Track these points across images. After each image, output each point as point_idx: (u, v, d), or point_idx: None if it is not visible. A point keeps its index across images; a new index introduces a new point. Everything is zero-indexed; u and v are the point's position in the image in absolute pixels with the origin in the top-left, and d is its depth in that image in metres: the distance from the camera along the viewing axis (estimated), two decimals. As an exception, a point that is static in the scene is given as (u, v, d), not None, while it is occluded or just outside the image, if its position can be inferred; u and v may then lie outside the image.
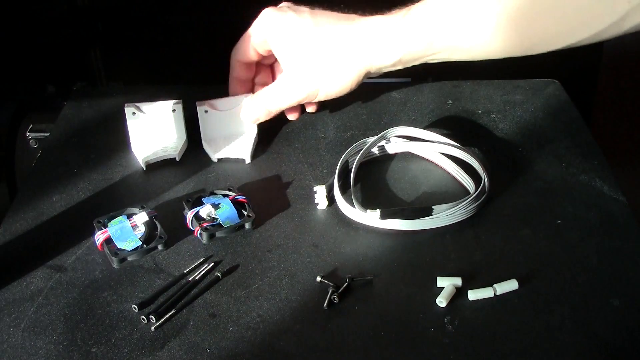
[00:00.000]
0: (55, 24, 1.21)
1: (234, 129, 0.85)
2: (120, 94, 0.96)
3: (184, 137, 0.85)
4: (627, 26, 0.64)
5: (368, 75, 0.80)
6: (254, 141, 0.85)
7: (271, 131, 0.88)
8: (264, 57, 0.85)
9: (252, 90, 0.88)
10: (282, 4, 0.83)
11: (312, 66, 0.78)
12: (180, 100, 0.85)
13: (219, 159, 0.83)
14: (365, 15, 0.80)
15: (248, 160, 0.83)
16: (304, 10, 0.80)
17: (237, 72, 0.86)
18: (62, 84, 1.15)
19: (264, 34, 0.81)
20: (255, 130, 0.85)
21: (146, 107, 0.83)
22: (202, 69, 1.33)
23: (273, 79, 0.89)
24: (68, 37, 1.22)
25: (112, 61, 1.31)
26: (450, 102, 0.94)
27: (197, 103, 0.83)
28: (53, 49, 1.21)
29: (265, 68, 0.89)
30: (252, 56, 0.84)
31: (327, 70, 0.78)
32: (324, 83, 0.79)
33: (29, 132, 0.97)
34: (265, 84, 0.86)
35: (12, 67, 1.17)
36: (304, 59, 0.79)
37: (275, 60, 0.86)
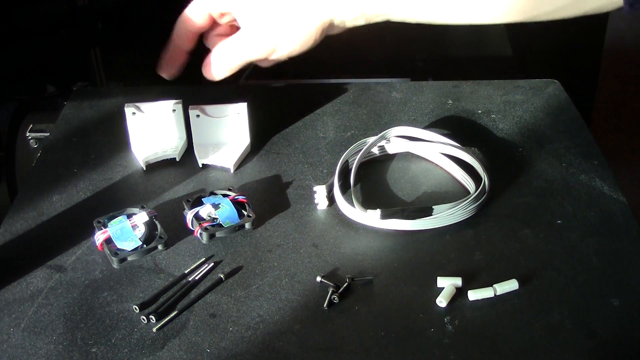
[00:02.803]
0: (55, 24, 1.21)
1: (224, 137, 0.85)
2: (120, 94, 0.96)
3: (184, 137, 0.85)
4: None
5: (329, 31, 0.76)
6: (244, 152, 0.84)
7: (271, 131, 0.88)
8: (211, 24, 0.80)
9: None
10: None
11: (269, 19, 0.74)
12: (180, 100, 0.85)
13: (203, 165, 0.83)
14: None
15: (232, 170, 0.82)
16: None
17: (182, 42, 0.80)
18: (62, 84, 1.15)
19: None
20: (247, 142, 0.85)
21: (146, 107, 0.83)
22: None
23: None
24: (68, 37, 1.23)
25: (112, 61, 1.31)
26: (450, 102, 0.94)
27: (190, 107, 0.83)
28: (53, 49, 1.21)
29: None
30: (204, 22, 0.79)
31: (285, 23, 0.74)
32: (283, 37, 0.75)
33: (29, 132, 0.97)
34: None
35: (12, 67, 1.17)
36: (261, 13, 0.75)
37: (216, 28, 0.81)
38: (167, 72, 0.81)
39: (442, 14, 0.70)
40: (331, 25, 0.75)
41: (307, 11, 0.74)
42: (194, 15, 0.79)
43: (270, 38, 0.75)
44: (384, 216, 0.72)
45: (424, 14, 0.70)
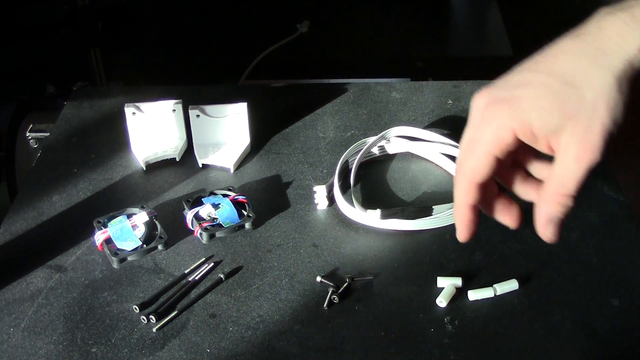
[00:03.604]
0: (55, 24, 1.21)
1: (224, 137, 0.85)
2: (120, 94, 0.96)
3: (184, 137, 0.85)
4: None
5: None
6: (244, 152, 0.84)
7: (271, 131, 0.88)
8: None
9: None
10: (485, 91, 0.60)
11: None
12: (180, 100, 0.85)
13: (203, 165, 0.83)
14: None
15: (232, 170, 0.82)
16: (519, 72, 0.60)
17: (474, 197, 0.60)
18: (62, 84, 1.15)
19: (511, 124, 0.57)
20: (247, 142, 0.85)
21: (146, 107, 0.83)
22: (202, 69, 1.33)
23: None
24: (68, 37, 1.23)
25: (112, 61, 1.31)
26: (450, 102, 0.94)
27: (190, 107, 0.83)
28: (53, 49, 1.21)
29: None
30: (492, 168, 0.59)
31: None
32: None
33: (29, 132, 0.97)
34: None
35: (12, 67, 1.17)
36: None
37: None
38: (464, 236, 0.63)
39: None
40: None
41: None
42: (483, 162, 0.58)
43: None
44: (384, 216, 0.72)
45: None
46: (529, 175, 0.63)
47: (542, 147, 0.58)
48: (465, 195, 0.60)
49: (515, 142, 0.57)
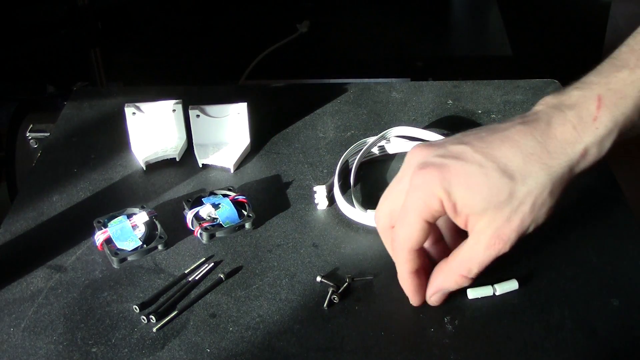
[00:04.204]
0: (55, 24, 1.21)
1: (224, 137, 0.85)
2: (120, 94, 0.96)
3: (184, 137, 0.85)
4: None
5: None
6: (244, 152, 0.84)
7: (271, 131, 0.88)
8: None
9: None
10: (423, 149, 0.61)
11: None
12: (180, 100, 0.85)
13: (203, 165, 0.83)
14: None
15: (232, 170, 0.82)
16: (460, 140, 0.59)
17: (414, 264, 0.61)
18: (62, 84, 1.15)
19: (438, 194, 0.57)
20: (247, 142, 0.85)
21: (146, 107, 0.83)
22: (202, 69, 1.33)
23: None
24: (68, 37, 1.23)
25: (112, 61, 1.31)
26: (450, 102, 0.94)
27: (190, 107, 0.83)
28: (53, 49, 1.21)
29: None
30: (426, 233, 0.60)
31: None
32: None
33: (29, 132, 0.97)
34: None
35: (12, 67, 1.17)
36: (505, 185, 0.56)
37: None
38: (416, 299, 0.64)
39: None
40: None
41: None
42: (416, 229, 0.59)
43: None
44: None
45: None
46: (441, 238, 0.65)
47: (459, 222, 0.59)
48: (405, 264, 0.62)
49: (443, 209, 0.58)
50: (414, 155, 0.61)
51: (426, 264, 0.63)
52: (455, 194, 0.57)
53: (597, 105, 0.57)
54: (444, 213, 0.58)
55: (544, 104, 0.59)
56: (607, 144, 0.57)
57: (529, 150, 0.57)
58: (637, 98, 0.57)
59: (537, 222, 0.58)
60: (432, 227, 0.60)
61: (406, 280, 0.62)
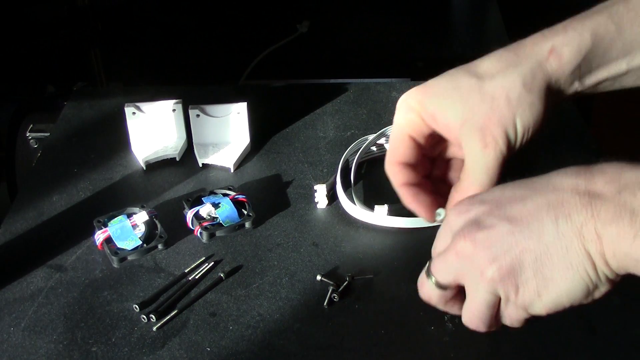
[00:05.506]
0: (55, 24, 1.22)
1: (224, 137, 0.85)
2: (120, 94, 0.96)
3: (184, 137, 0.85)
4: None
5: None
6: (244, 151, 0.84)
7: (271, 131, 0.88)
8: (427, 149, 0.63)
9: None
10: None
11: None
12: (180, 100, 0.85)
13: (203, 164, 0.83)
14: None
15: (232, 170, 0.82)
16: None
17: (402, 176, 0.61)
18: (62, 84, 1.15)
19: (415, 106, 0.60)
20: (247, 141, 0.85)
21: (146, 107, 0.83)
22: (202, 69, 1.33)
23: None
24: (68, 37, 1.23)
25: (112, 61, 1.31)
26: (450, 101, 0.94)
27: (190, 107, 0.83)
28: (53, 49, 1.21)
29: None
30: (410, 149, 0.61)
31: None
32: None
33: (29, 132, 0.97)
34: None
35: (12, 67, 1.17)
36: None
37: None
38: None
39: None
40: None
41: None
42: (402, 145, 0.61)
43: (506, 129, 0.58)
44: (392, 212, 0.72)
45: None
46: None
47: (448, 135, 0.60)
48: (394, 177, 0.62)
49: (424, 121, 0.59)
50: (403, 96, 0.62)
51: (425, 184, 0.63)
52: (429, 105, 0.59)
53: (566, 24, 0.59)
54: (429, 127, 0.60)
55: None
56: (579, 50, 0.57)
57: (497, 55, 0.60)
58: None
59: (523, 119, 0.57)
60: (419, 145, 0.61)
61: (401, 193, 0.62)
